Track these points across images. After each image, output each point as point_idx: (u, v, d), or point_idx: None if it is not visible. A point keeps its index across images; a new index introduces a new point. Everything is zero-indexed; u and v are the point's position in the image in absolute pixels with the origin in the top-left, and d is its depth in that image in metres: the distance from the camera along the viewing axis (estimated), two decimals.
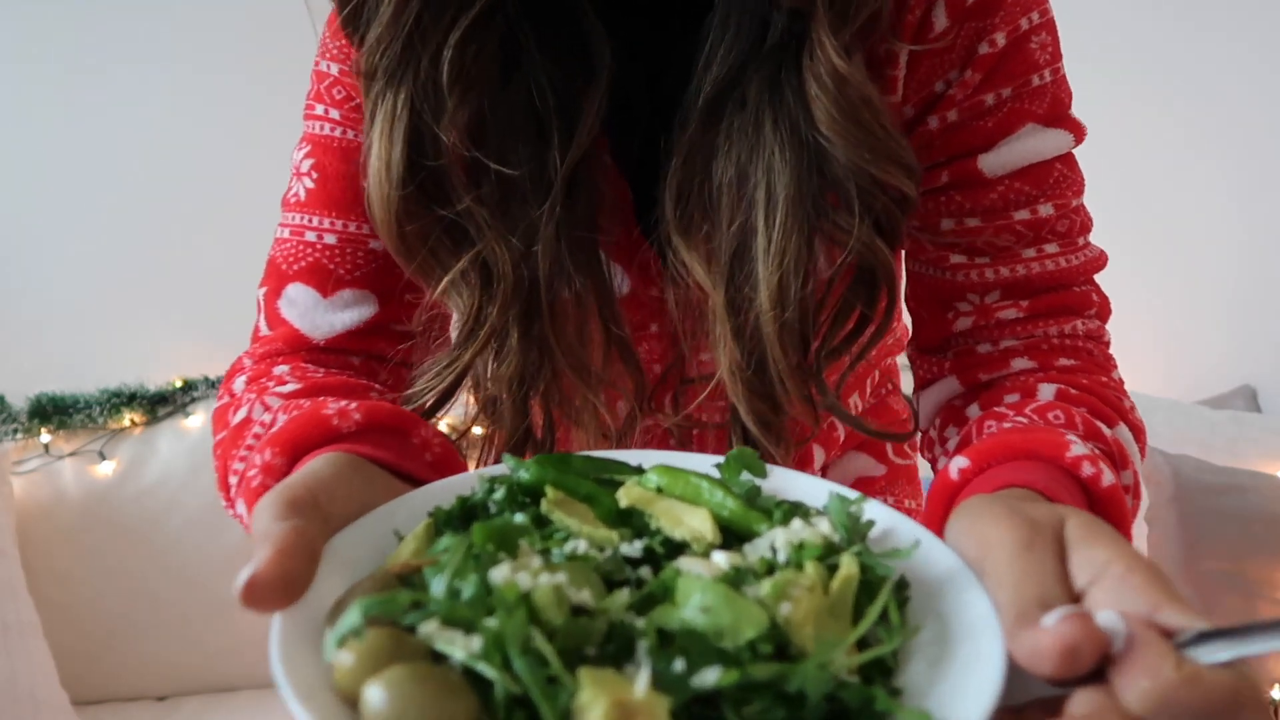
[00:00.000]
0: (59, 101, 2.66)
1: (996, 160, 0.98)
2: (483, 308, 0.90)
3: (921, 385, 1.15)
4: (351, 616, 0.63)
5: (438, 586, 0.69)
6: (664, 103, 0.95)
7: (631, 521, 0.82)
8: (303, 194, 1.05)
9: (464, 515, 0.84)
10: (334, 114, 1.04)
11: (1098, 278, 1.05)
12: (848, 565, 0.73)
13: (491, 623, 0.65)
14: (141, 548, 2.61)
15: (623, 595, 0.72)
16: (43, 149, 2.72)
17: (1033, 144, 0.97)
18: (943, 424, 1.08)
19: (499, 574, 0.69)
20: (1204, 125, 2.98)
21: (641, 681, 0.63)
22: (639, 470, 0.86)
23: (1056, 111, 0.99)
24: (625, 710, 0.62)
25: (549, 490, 0.81)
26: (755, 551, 0.77)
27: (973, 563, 0.69)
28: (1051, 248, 1.01)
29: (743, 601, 0.69)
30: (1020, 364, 1.01)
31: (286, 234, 1.07)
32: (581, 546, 0.77)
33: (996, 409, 0.94)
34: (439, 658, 0.64)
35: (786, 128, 0.87)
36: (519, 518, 0.79)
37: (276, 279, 1.08)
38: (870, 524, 0.79)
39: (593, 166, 0.95)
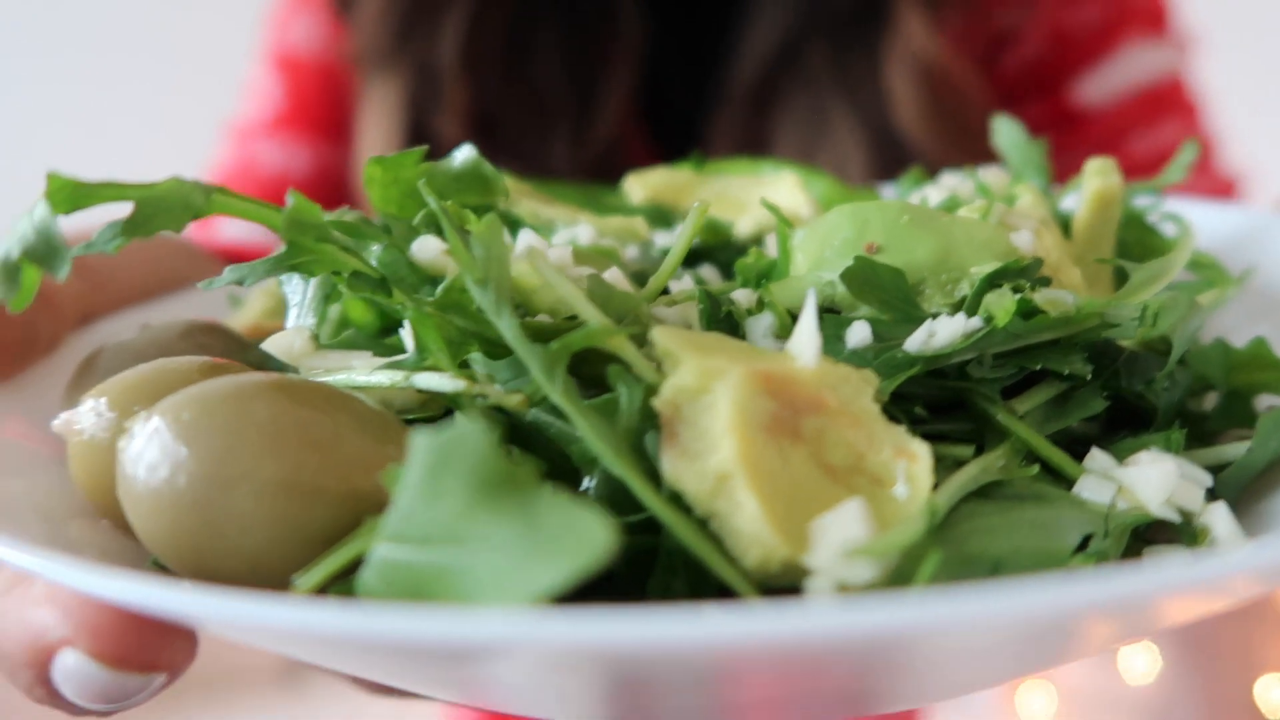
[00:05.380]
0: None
1: (1096, 87, 0.80)
2: None
3: None
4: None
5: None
6: (702, 79, 0.80)
7: (661, 224, 0.47)
8: (258, 116, 0.81)
9: None
10: (316, 30, 0.82)
11: None
12: (1100, 181, 0.39)
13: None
14: None
15: (684, 287, 0.37)
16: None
17: (1137, 64, 0.79)
18: None
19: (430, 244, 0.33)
20: None
21: (805, 342, 0.27)
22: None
23: (1159, 22, 0.81)
24: (782, 390, 0.26)
25: (506, 182, 0.45)
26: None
27: None
28: None
29: (949, 221, 0.34)
30: None
31: (226, 161, 0.82)
32: (585, 235, 0.41)
33: None
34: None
35: (859, 115, 0.72)
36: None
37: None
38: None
39: (625, 153, 0.78)
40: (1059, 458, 0.28)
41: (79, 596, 0.24)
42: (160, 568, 0.27)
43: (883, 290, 0.31)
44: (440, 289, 0.28)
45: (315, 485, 0.24)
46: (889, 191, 0.52)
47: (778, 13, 0.72)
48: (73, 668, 0.23)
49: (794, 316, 0.34)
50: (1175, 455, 0.28)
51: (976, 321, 0.29)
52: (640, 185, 0.48)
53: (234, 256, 0.63)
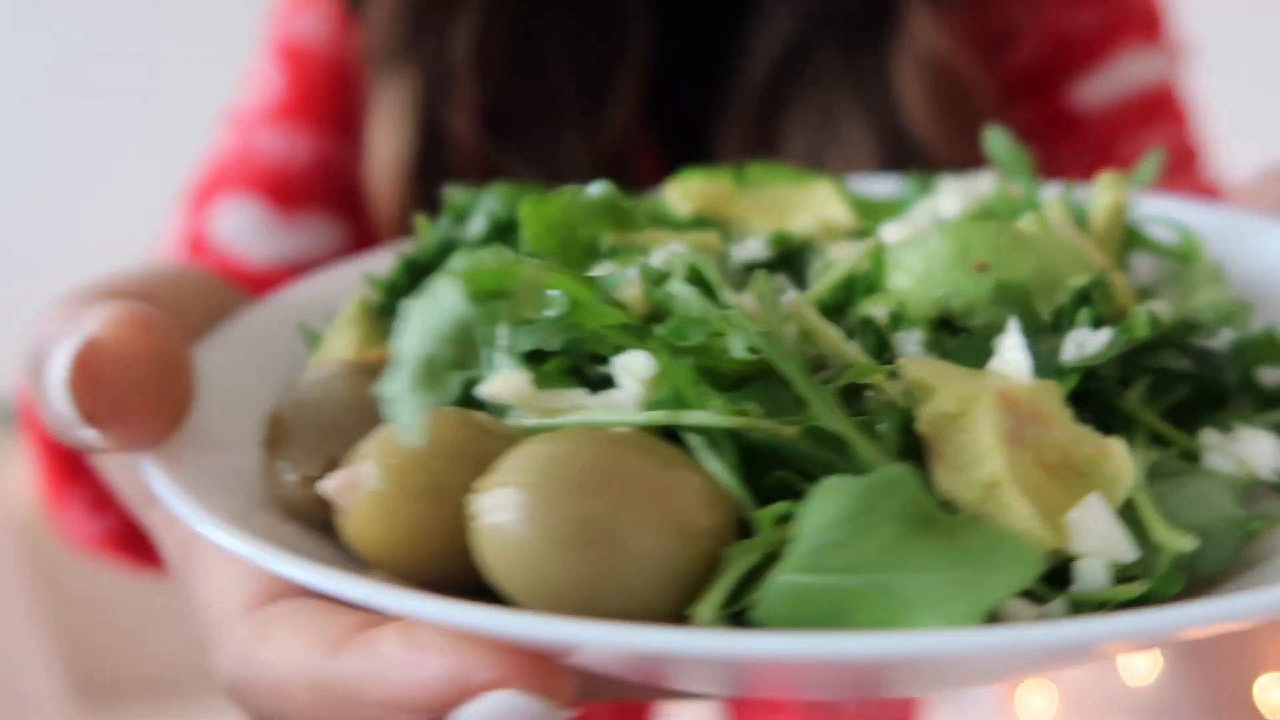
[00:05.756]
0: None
1: (1091, 91, 0.82)
2: None
3: None
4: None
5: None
6: (710, 81, 0.80)
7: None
8: (259, 105, 0.79)
9: (415, 279, 0.48)
10: (322, 23, 0.80)
11: None
12: (1113, 193, 0.46)
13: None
14: None
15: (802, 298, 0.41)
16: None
17: (1132, 69, 0.82)
18: None
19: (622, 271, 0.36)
20: None
21: (1020, 363, 0.33)
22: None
23: (1155, 28, 0.83)
24: (1013, 405, 0.32)
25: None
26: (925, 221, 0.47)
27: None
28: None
29: (1042, 241, 0.40)
30: None
31: (225, 148, 0.80)
32: (677, 251, 0.44)
33: None
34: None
35: (867, 115, 0.73)
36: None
37: (204, 193, 0.79)
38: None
39: (631, 152, 0.79)
40: (1181, 439, 0.35)
41: (498, 642, 0.25)
42: None
43: (1018, 305, 0.37)
44: (685, 334, 0.32)
45: (686, 526, 0.27)
46: (882, 187, 0.58)
47: (786, 14, 0.73)
48: (505, 708, 0.25)
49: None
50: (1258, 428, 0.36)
51: (1109, 333, 0.35)
52: (684, 196, 0.51)
53: (250, 284, 0.62)
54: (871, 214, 0.53)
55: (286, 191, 0.77)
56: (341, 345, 0.44)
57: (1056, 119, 0.81)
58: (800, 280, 0.46)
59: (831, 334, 0.32)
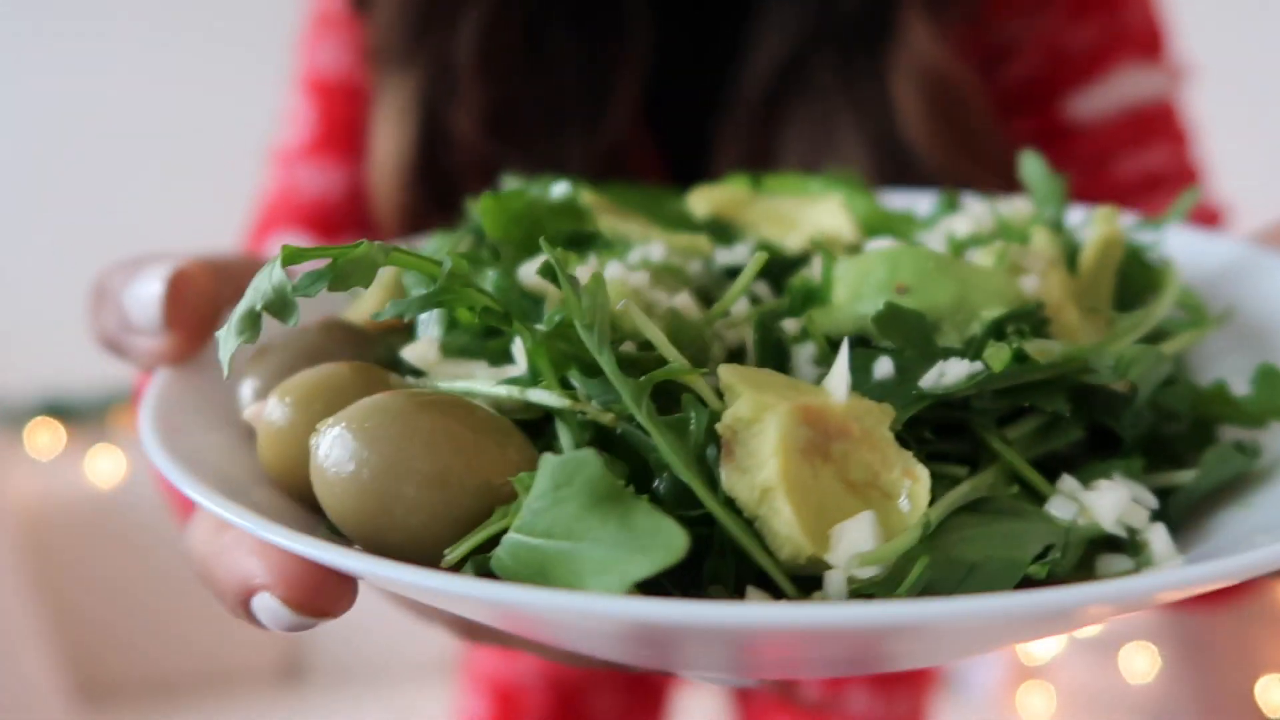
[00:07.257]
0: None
1: (1087, 105, 0.80)
2: None
3: None
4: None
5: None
6: (710, 88, 0.80)
7: (720, 238, 0.53)
8: (296, 141, 0.85)
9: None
10: (342, 52, 0.84)
11: None
12: (1104, 227, 0.45)
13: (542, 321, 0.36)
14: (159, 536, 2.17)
15: (740, 304, 0.43)
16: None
17: (1130, 86, 0.80)
18: None
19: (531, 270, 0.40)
20: None
21: (838, 382, 0.34)
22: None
23: (1154, 48, 0.81)
24: (818, 420, 0.33)
25: (585, 195, 0.51)
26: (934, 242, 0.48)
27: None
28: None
29: (967, 269, 0.40)
30: None
31: (272, 187, 0.86)
32: (657, 252, 0.48)
33: None
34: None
35: (864, 125, 0.73)
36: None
37: (259, 232, 0.85)
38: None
39: (631, 156, 0.81)
40: (1036, 479, 0.35)
41: (280, 553, 0.32)
42: (333, 531, 0.35)
43: (907, 329, 0.38)
44: (549, 322, 0.36)
45: (459, 481, 0.32)
46: (896, 201, 0.58)
47: (786, 24, 0.73)
48: (269, 607, 0.31)
49: (832, 343, 0.41)
50: (1131, 480, 0.35)
51: (979, 365, 0.36)
52: (703, 200, 0.54)
53: None
54: (903, 228, 0.54)
55: (328, 224, 0.82)
56: (367, 301, 0.52)
57: (1052, 132, 0.78)
58: (779, 289, 0.48)
59: (656, 332, 0.35)
